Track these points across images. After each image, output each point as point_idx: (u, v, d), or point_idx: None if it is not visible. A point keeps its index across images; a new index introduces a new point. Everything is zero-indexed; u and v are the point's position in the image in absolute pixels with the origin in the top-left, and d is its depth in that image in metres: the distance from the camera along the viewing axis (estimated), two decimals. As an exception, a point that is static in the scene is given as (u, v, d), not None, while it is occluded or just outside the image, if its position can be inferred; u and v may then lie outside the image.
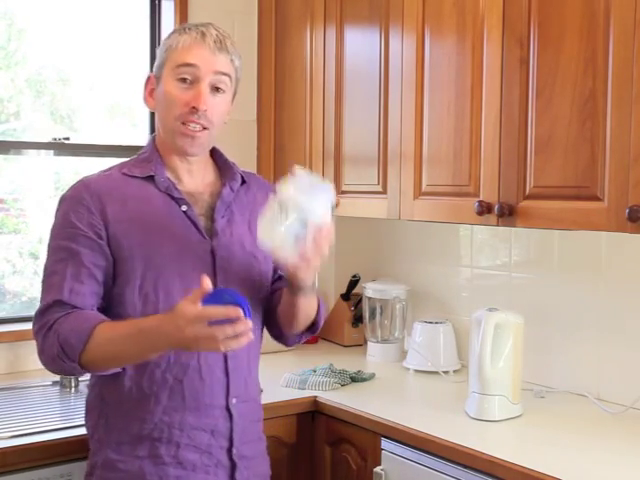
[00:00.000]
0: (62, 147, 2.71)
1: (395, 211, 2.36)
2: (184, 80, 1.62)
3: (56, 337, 1.52)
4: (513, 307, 2.18)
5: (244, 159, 2.93)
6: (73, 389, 2.40)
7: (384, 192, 2.40)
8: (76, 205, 1.60)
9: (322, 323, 1.83)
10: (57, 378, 2.42)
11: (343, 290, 3.00)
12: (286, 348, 2.83)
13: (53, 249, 1.61)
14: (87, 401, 1.70)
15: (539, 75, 1.92)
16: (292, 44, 2.76)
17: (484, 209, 2.04)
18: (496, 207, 2.01)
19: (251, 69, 2.92)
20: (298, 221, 1.56)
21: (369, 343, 2.79)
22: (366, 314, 2.81)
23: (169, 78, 1.64)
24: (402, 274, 2.86)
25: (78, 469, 1.93)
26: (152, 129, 2.88)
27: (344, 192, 2.56)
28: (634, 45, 1.71)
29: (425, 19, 2.24)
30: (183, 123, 1.63)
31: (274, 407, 2.18)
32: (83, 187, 1.63)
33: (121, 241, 1.59)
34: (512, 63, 1.98)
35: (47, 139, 2.70)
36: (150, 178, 1.66)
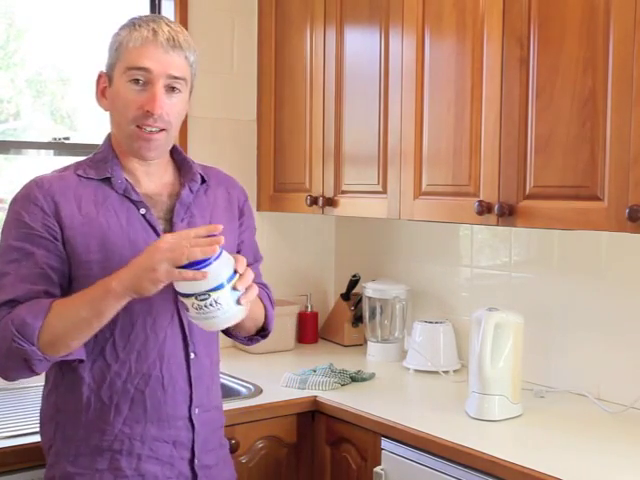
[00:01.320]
0: (62, 147, 2.71)
1: (395, 211, 2.36)
2: (137, 81, 1.55)
3: (9, 324, 1.44)
4: (513, 307, 2.18)
5: (244, 159, 2.94)
6: (73, 389, 2.40)
7: (384, 192, 2.40)
8: (29, 205, 1.55)
9: (272, 328, 1.78)
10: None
11: (343, 290, 3.00)
12: (285, 348, 2.85)
13: (4, 249, 1.53)
14: (42, 412, 1.63)
15: (539, 75, 1.92)
16: (292, 44, 2.76)
17: (484, 209, 2.04)
18: (496, 207, 2.01)
19: (251, 69, 2.92)
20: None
21: (369, 343, 2.79)
22: (366, 314, 2.81)
23: (121, 79, 1.56)
24: (402, 274, 2.86)
25: (78, 469, 1.93)
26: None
27: (344, 192, 2.56)
28: (634, 45, 1.71)
29: (425, 19, 2.24)
30: (138, 126, 1.56)
31: (274, 407, 2.18)
32: (36, 187, 1.57)
33: (76, 246, 1.53)
34: (512, 63, 1.98)
35: (47, 139, 2.70)
36: (107, 180, 1.61)
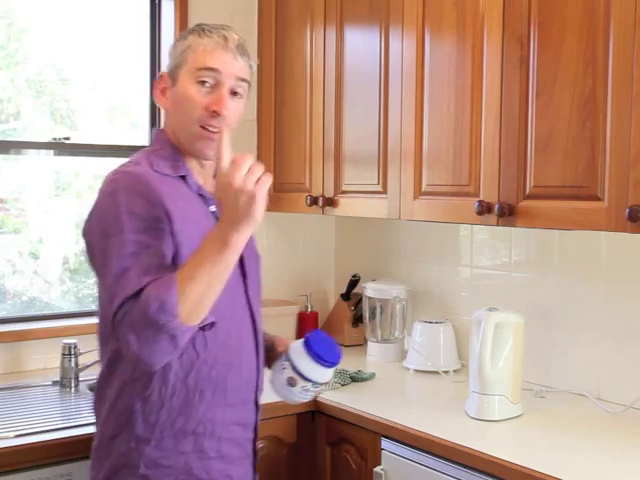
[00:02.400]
0: (62, 147, 2.71)
1: (395, 211, 2.36)
2: (204, 83, 1.62)
3: (147, 309, 1.40)
4: (513, 307, 2.18)
5: (244, 159, 2.93)
6: (73, 389, 2.40)
7: (384, 192, 2.40)
8: (136, 197, 1.51)
9: None
10: (57, 378, 2.42)
11: (343, 290, 3.00)
12: (286, 348, 2.85)
13: (118, 243, 1.49)
14: (112, 402, 1.63)
15: (539, 75, 1.92)
16: (292, 44, 2.76)
17: (484, 209, 2.04)
18: (496, 207, 2.01)
19: (251, 69, 2.92)
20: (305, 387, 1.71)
21: (369, 343, 2.79)
22: (366, 314, 2.81)
23: (188, 80, 1.62)
24: (402, 274, 2.86)
25: (78, 469, 1.94)
26: (152, 129, 2.88)
27: (344, 192, 2.56)
28: (634, 45, 1.71)
29: (425, 19, 2.24)
30: (202, 127, 1.62)
31: (274, 407, 2.17)
32: (137, 179, 1.55)
33: (182, 238, 1.54)
34: (512, 63, 1.98)
35: (47, 139, 2.70)
36: (180, 177, 1.65)
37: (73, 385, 2.41)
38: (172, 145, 1.68)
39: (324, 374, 1.68)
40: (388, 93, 2.37)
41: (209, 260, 1.42)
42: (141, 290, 1.43)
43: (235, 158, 1.41)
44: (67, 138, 2.71)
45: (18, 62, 2.70)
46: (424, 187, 2.27)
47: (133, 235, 1.48)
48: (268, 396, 2.21)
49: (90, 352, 2.49)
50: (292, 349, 1.72)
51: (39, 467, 1.89)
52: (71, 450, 1.94)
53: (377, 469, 2.02)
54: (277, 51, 2.84)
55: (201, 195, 1.66)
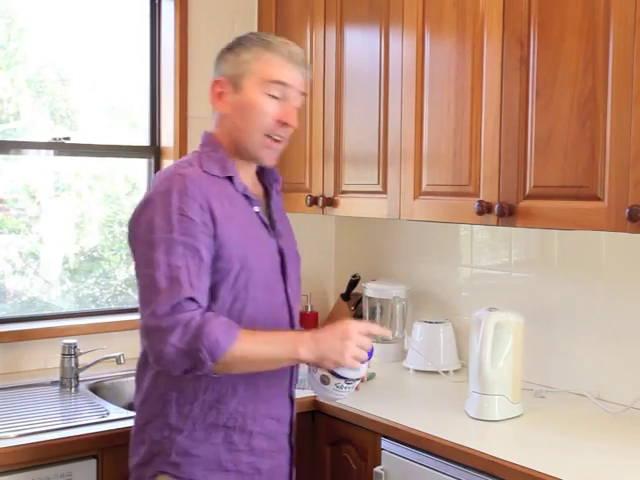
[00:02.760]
0: (62, 147, 2.71)
1: (395, 211, 2.36)
2: (272, 95, 1.69)
3: (200, 335, 1.51)
4: (513, 307, 2.18)
5: (244, 159, 2.94)
6: (73, 389, 2.40)
7: (384, 192, 2.40)
8: (188, 200, 1.59)
9: None
10: (57, 378, 2.42)
11: (343, 290, 3.00)
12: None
13: (168, 242, 1.56)
14: (148, 389, 1.69)
15: (539, 75, 1.92)
16: (292, 44, 2.76)
17: (484, 209, 2.04)
18: (496, 207, 2.01)
19: (251, 69, 2.92)
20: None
21: (369, 343, 2.78)
22: (366, 314, 2.81)
23: (256, 90, 1.69)
24: (402, 274, 2.86)
25: (78, 469, 1.94)
26: (152, 129, 2.89)
27: (344, 192, 2.56)
28: (634, 45, 1.71)
29: (425, 19, 2.24)
30: (267, 135, 1.70)
31: (274, 407, 2.17)
32: (190, 182, 1.61)
33: (224, 242, 1.62)
34: (512, 63, 1.98)
35: (47, 139, 2.70)
36: (227, 178, 1.71)
37: (73, 385, 2.41)
38: (222, 147, 1.74)
39: (356, 370, 1.72)
40: (388, 93, 2.37)
41: (275, 351, 1.61)
42: (191, 300, 1.54)
43: (369, 324, 1.68)
44: (67, 138, 2.71)
45: (18, 62, 2.70)
46: (424, 187, 2.27)
47: (182, 237, 1.57)
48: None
49: (90, 352, 2.49)
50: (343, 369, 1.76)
51: (39, 467, 1.89)
52: (71, 450, 1.94)
53: (377, 469, 2.02)
54: (277, 51, 2.83)
55: (246, 196, 1.73)
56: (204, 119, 2.82)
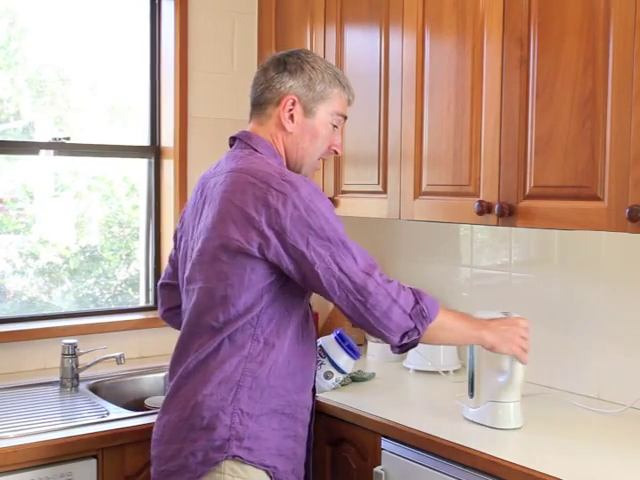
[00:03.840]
0: (62, 147, 2.72)
1: (395, 211, 2.36)
2: (335, 126, 1.87)
3: (419, 297, 1.73)
4: (513, 307, 2.17)
5: (244, 159, 2.93)
6: (73, 389, 2.40)
7: (384, 192, 2.40)
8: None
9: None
10: (57, 378, 2.42)
11: (343, 290, 3.00)
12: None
13: (344, 243, 1.76)
14: (224, 374, 1.72)
15: (539, 75, 1.92)
16: (292, 44, 2.76)
17: (484, 209, 2.04)
18: (496, 207, 2.01)
19: (251, 69, 2.91)
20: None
21: (369, 343, 2.79)
22: (366, 314, 2.80)
23: (326, 120, 1.85)
24: (402, 274, 2.85)
25: (78, 469, 1.94)
26: (152, 129, 2.89)
27: (344, 192, 2.56)
28: (634, 45, 1.71)
29: (425, 19, 2.24)
30: (320, 158, 1.91)
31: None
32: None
33: None
34: (512, 63, 1.98)
35: (47, 139, 2.70)
36: None
37: (73, 385, 2.41)
38: (280, 156, 1.85)
39: (351, 366, 2.14)
40: (388, 93, 2.37)
41: (466, 329, 1.83)
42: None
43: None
44: (67, 138, 2.71)
45: (18, 62, 2.71)
46: (424, 187, 2.27)
47: (346, 237, 1.78)
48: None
49: (90, 352, 2.49)
50: (326, 346, 2.11)
51: (39, 467, 1.89)
52: (71, 450, 1.94)
53: (377, 469, 2.02)
54: (277, 51, 2.83)
55: None
56: (204, 119, 2.84)
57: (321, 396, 2.23)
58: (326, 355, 2.10)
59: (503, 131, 2.02)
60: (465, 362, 2.06)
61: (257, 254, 1.66)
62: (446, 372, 2.48)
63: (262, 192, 1.66)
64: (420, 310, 1.71)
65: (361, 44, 2.49)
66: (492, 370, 1.96)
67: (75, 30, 2.74)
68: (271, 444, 1.73)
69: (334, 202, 2.58)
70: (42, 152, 2.69)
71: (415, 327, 1.70)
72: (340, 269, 1.70)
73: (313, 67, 1.83)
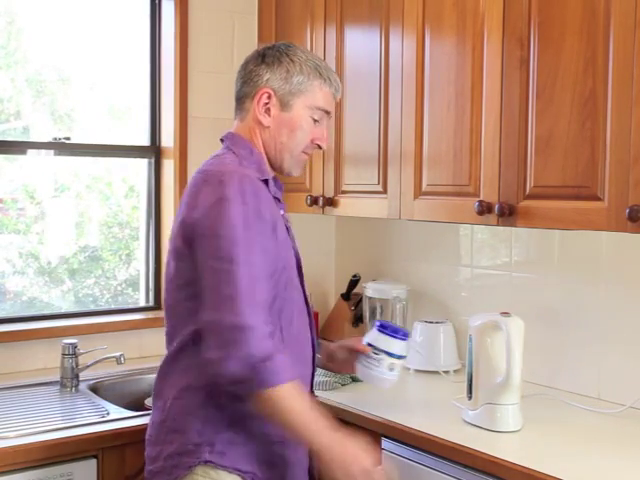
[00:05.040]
0: (62, 147, 2.72)
1: (395, 211, 2.36)
2: (315, 119, 1.80)
3: (271, 355, 1.55)
4: (513, 307, 2.17)
5: (244, 159, 2.94)
6: (73, 389, 2.40)
7: (384, 192, 2.40)
8: (263, 203, 1.66)
9: None
10: (57, 378, 2.42)
11: (343, 290, 3.00)
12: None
13: (246, 239, 1.60)
14: (187, 382, 1.69)
15: (539, 75, 1.92)
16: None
17: (484, 209, 2.04)
18: (496, 207, 2.01)
19: (251, 69, 2.92)
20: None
21: (369, 343, 2.78)
22: (366, 314, 2.81)
23: (304, 112, 1.78)
24: (402, 274, 2.86)
25: (78, 469, 1.94)
26: (152, 129, 2.89)
27: (344, 192, 2.56)
28: (634, 45, 1.71)
29: (425, 19, 2.24)
30: (304, 152, 1.82)
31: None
32: (258, 184, 1.68)
33: (277, 243, 1.70)
34: (512, 63, 1.98)
35: (47, 139, 2.70)
36: (263, 181, 1.75)
37: (73, 385, 2.41)
38: (256, 152, 1.80)
39: (407, 348, 2.03)
40: (388, 93, 2.37)
41: (304, 423, 1.59)
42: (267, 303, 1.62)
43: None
44: (67, 138, 2.71)
45: (18, 61, 2.71)
46: (424, 187, 2.27)
47: (259, 237, 1.62)
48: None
49: (90, 352, 2.49)
50: (374, 341, 2.00)
51: (39, 467, 1.89)
52: (71, 450, 1.94)
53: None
54: (277, 51, 2.83)
55: (276, 198, 1.80)
56: (204, 119, 2.84)
57: (321, 396, 2.23)
58: (379, 350, 1.98)
59: (503, 131, 2.02)
60: (465, 362, 2.05)
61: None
62: (446, 372, 2.48)
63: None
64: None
65: (361, 44, 2.49)
66: (490, 372, 1.96)
67: (75, 30, 2.74)
68: (248, 449, 1.68)
69: (334, 202, 2.58)
70: (42, 152, 2.69)
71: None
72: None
73: (292, 60, 1.78)
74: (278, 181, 1.88)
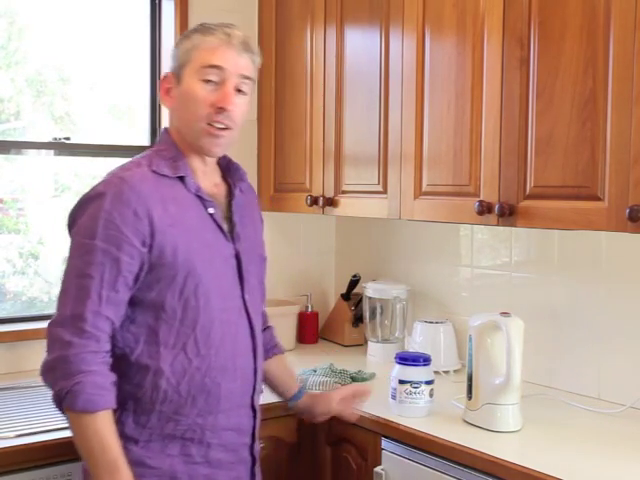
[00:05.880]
0: (62, 147, 2.71)
1: (395, 211, 2.36)
2: (209, 81, 1.62)
3: (79, 373, 1.48)
4: (513, 307, 2.17)
5: (244, 159, 2.91)
6: (73, 389, 2.40)
7: (384, 192, 2.40)
8: (121, 207, 1.53)
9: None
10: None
11: (343, 290, 3.00)
12: (286, 348, 2.85)
13: (88, 248, 1.52)
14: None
15: (539, 75, 1.92)
16: (292, 44, 2.76)
17: (484, 209, 2.04)
18: (496, 207, 2.01)
19: (251, 69, 2.92)
20: None
21: (369, 343, 2.79)
22: (366, 314, 2.81)
23: (193, 78, 1.63)
24: (402, 274, 2.86)
25: (78, 469, 1.93)
26: (152, 129, 2.89)
27: (344, 192, 2.56)
28: (634, 45, 1.71)
29: (425, 19, 2.24)
30: (209, 123, 1.63)
31: (275, 407, 2.18)
32: (128, 188, 1.55)
33: (165, 248, 1.57)
34: (512, 63, 1.98)
35: (47, 139, 2.70)
36: (179, 178, 1.64)
37: (73, 385, 2.40)
38: (175, 145, 1.68)
39: (431, 372, 2.11)
40: (388, 93, 2.37)
41: (98, 454, 1.49)
42: (97, 313, 1.49)
43: None
44: (67, 138, 2.71)
45: (18, 61, 2.70)
46: (424, 187, 2.27)
47: (104, 244, 1.51)
48: (267, 397, 2.22)
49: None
50: (409, 375, 2.05)
51: (39, 467, 1.89)
52: (71, 450, 1.92)
53: (377, 469, 2.02)
54: (277, 51, 2.84)
55: (199, 196, 1.66)
56: (204, 119, 2.84)
57: (321, 396, 2.24)
58: (409, 382, 2.04)
59: (503, 131, 2.02)
60: (465, 362, 2.06)
61: None
62: (446, 372, 2.48)
63: None
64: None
65: (361, 44, 2.49)
66: (490, 372, 1.96)
67: (75, 30, 2.74)
68: (163, 472, 1.60)
69: (334, 202, 2.58)
70: (42, 152, 2.69)
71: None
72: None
73: (186, 35, 1.68)
74: (238, 173, 1.78)
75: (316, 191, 2.66)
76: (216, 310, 1.62)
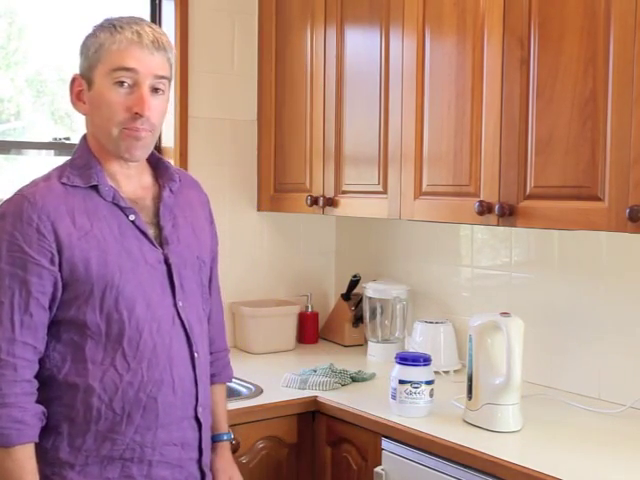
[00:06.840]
0: (62, 147, 2.71)
1: (395, 211, 2.36)
2: (122, 84, 1.52)
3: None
4: (513, 307, 2.18)
5: (244, 159, 2.94)
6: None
7: (384, 192, 2.40)
8: (22, 226, 1.48)
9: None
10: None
11: (343, 290, 3.00)
12: (286, 348, 2.85)
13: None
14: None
15: (539, 75, 1.92)
16: (292, 44, 2.76)
17: (484, 209, 2.04)
18: (496, 207, 2.01)
19: (251, 69, 2.92)
20: None
21: (369, 343, 2.79)
22: (366, 314, 2.81)
23: (105, 82, 1.53)
24: (402, 274, 2.86)
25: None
26: (152, 129, 2.89)
27: (344, 192, 2.56)
28: (634, 45, 1.71)
29: (425, 19, 2.24)
30: (125, 128, 1.54)
31: (274, 407, 2.18)
32: (28, 205, 1.50)
33: (76, 263, 1.50)
34: (512, 63, 1.98)
35: (47, 139, 2.70)
36: (93, 187, 1.56)
37: (73, 385, 2.40)
38: (90, 152, 1.60)
39: (431, 372, 2.12)
40: (388, 93, 2.37)
41: None
42: (11, 340, 1.45)
43: None
44: (67, 138, 2.71)
45: (18, 61, 2.70)
46: (424, 187, 2.27)
47: (10, 267, 1.47)
48: (268, 396, 2.22)
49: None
50: (409, 375, 2.05)
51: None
52: None
53: (377, 469, 2.02)
54: (277, 51, 2.84)
55: (116, 204, 1.57)
56: (204, 119, 2.84)
57: (322, 396, 2.24)
58: (409, 382, 2.04)
59: (503, 131, 2.02)
60: (465, 362, 2.06)
61: None
62: (446, 372, 2.47)
63: None
64: None
65: (361, 44, 2.49)
66: (490, 372, 1.96)
67: (75, 30, 2.74)
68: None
69: (334, 202, 2.58)
70: (42, 152, 2.69)
71: None
72: None
73: (94, 32, 1.56)
74: (167, 173, 1.67)
75: (316, 191, 2.66)
76: (143, 321, 1.54)
